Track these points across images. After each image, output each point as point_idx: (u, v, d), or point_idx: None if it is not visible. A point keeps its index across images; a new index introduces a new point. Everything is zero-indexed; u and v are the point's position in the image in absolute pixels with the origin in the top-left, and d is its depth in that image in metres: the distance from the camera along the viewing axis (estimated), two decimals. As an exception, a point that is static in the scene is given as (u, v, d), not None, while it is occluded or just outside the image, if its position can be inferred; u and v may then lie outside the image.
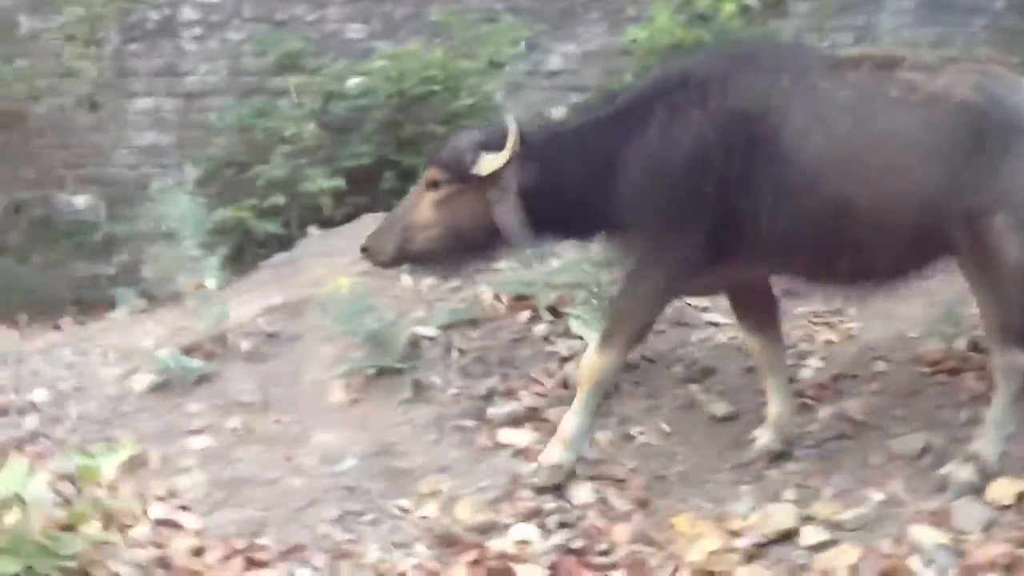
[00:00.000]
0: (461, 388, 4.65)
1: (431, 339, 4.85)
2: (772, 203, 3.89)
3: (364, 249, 4.27)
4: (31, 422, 4.55)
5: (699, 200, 3.96)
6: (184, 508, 3.94)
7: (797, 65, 4.09)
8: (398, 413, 4.55)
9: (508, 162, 4.05)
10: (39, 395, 4.74)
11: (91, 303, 6.86)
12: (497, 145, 4.07)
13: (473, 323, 5.00)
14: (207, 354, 4.90)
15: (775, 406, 4.30)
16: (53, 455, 4.28)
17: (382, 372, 4.69)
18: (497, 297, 5.11)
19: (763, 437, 4.29)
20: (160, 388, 4.76)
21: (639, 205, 4.03)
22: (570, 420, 4.11)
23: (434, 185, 4.15)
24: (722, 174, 3.93)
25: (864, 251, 3.91)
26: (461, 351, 4.82)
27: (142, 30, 7.11)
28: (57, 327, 6.09)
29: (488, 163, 4.06)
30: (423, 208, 4.15)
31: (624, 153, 4.05)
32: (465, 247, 4.17)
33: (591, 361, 4.09)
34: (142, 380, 4.82)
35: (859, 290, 4.19)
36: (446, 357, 4.80)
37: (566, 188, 4.11)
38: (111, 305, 6.68)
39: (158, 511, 3.86)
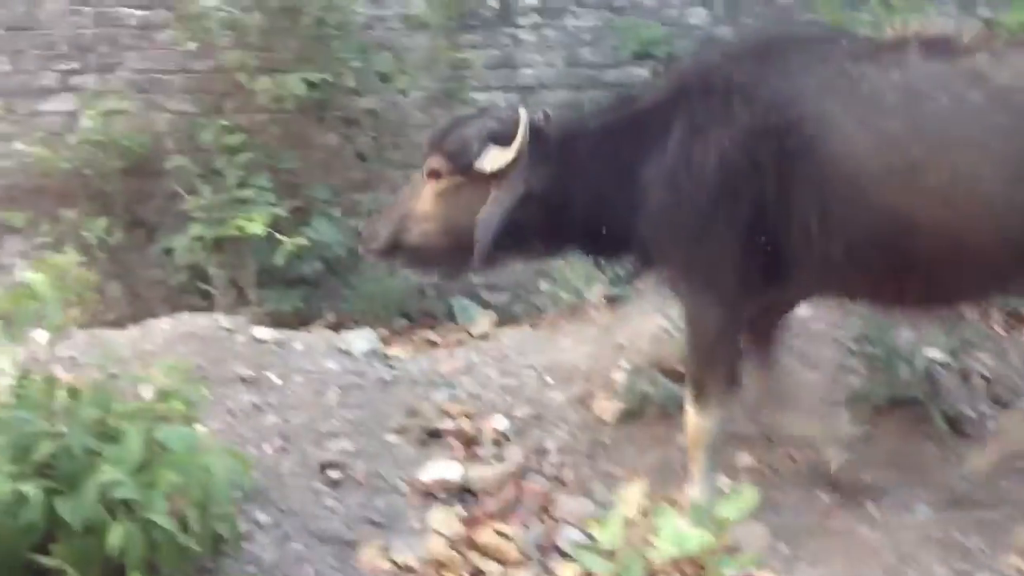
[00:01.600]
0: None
1: (944, 364, 4.22)
2: (820, 221, 3.40)
3: (359, 235, 3.99)
4: (513, 455, 4.04)
5: (732, 226, 3.51)
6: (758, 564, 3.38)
7: (831, 56, 3.52)
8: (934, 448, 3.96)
9: (516, 159, 3.60)
10: (499, 423, 4.24)
11: (418, 314, 6.38)
12: (507, 138, 3.63)
13: (975, 345, 4.35)
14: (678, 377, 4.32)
15: None
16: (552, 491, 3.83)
17: (895, 401, 4.09)
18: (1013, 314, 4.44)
19: None
20: (633, 416, 4.22)
21: (666, 233, 3.62)
22: (694, 492, 3.68)
23: (435, 175, 3.74)
24: (755, 197, 3.48)
25: (937, 270, 3.37)
26: (984, 378, 4.19)
27: (479, 18, 6.60)
28: (432, 343, 5.58)
29: (494, 158, 3.61)
30: (422, 199, 3.76)
31: (645, 169, 3.62)
32: (464, 246, 3.69)
33: (694, 424, 3.68)
34: (606, 407, 4.29)
35: (935, 311, 3.74)
36: (965, 384, 4.18)
37: (581, 197, 3.69)
38: (434, 316, 6.25)
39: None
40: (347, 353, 4.65)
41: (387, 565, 3.50)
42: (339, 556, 3.50)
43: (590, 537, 3.19)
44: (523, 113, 3.62)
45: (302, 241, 5.64)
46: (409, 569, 3.50)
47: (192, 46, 6.06)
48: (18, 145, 6.07)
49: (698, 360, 3.68)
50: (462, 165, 3.65)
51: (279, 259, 5.61)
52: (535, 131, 3.64)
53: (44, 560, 2.82)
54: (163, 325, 4.52)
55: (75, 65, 6.31)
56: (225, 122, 6.03)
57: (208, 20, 5.92)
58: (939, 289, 3.44)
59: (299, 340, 4.64)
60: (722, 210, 3.48)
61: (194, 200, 5.73)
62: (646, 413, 4.19)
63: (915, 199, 3.29)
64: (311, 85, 5.83)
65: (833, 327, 4.46)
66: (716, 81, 3.55)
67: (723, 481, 3.84)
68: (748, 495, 2.99)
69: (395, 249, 3.80)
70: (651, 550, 2.89)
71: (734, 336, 3.72)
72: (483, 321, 5.92)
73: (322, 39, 6.01)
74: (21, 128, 6.15)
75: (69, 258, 3.29)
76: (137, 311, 5.62)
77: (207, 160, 5.92)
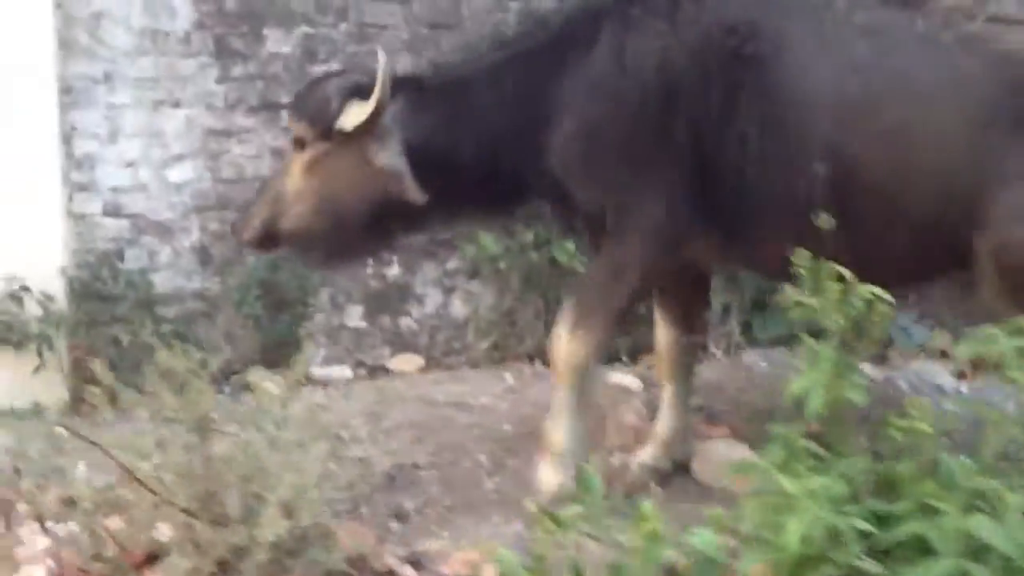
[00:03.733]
0: None
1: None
2: (758, 155, 3.04)
3: (232, 226, 3.49)
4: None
5: (667, 142, 3.11)
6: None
7: None
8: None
9: (381, 112, 3.17)
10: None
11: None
12: (369, 92, 3.19)
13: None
14: None
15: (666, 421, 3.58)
16: None
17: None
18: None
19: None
20: None
21: (586, 157, 3.22)
22: (555, 429, 3.36)
23: (300, 144, 3.32)
24: (696, 111, 3.10)
25: (867, 234, 2.98)
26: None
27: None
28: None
29: (355, 114, 3.21)
30: (291, 174, 3.33)
31: (559, 92, 3.22)
32: (347, 224, 3.31)
33: (562, 349, 3.33)
34: None
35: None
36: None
37: (472, 143, 3.29)
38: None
39: None
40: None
41: None
42: None
43: None
44: (382, 61, 3.15)
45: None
46: None
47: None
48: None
49: (603, 289, 3.35)
50: (324, 128, 3.26)
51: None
52: (409, 79, 3.33)
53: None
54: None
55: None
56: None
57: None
58: (865, 261, 2.72)
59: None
60: (657, 121, 3.11)
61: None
62: None
63: (863, 139, 3.03)
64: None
65: None
66: None
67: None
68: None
69: (271, 237, 3.40)
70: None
71: (641, 282, 3.36)
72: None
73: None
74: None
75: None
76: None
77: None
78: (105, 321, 4.92)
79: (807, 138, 3.06)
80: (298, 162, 3.35)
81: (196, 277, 5.22)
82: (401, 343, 5.42)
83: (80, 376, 4.76)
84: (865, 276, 2.64)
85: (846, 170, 3.03)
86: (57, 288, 4.89)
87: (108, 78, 5.02)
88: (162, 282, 5.13)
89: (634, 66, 3.14)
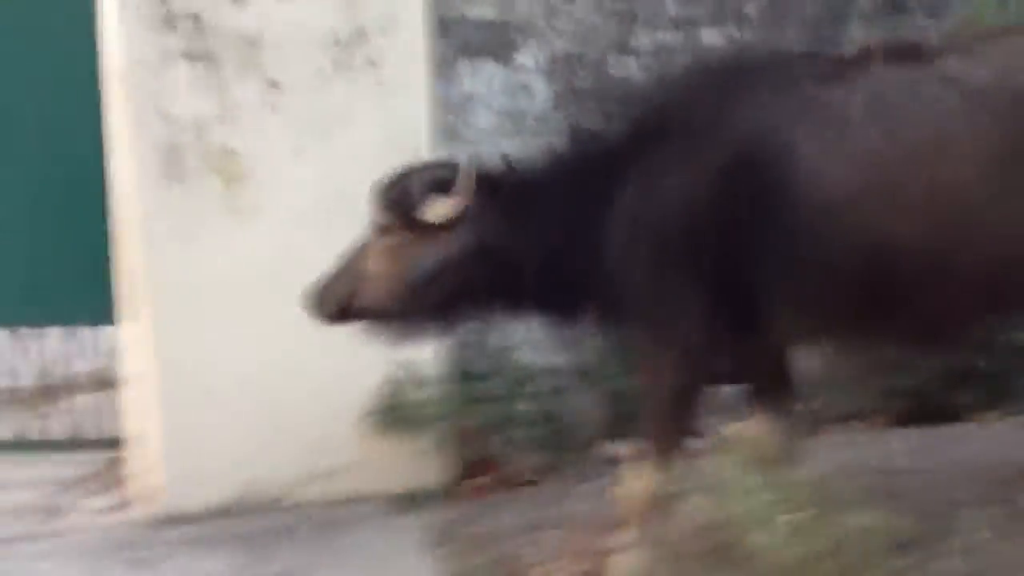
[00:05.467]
0: None
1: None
2: (796, 259, 3.15)
3: (306, 299, 3.59)
4: None
5: (698, 274, 3.27)
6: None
7: (795, 81, 3.27)
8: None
9: (461, 209, 3.38)
10: None
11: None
12: (451, 187, 3.40)
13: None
14: None
15: None
16: None
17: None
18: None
19: None
20: None
21: (627, 281, 3.38)
22: (623, 563, 3.44)
23: (381, 230, 3.52)
24: (723, 237, 3.22)
25: (926, 298, 3.10)
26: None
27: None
28: None
29: (436, 208, 3.40)
30: (370, 257, 3.53)
31: (606, 213, 3.37)
32: (416, 308, 3.53)
33: (633, 489, 3.45)
34: None
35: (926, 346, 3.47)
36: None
37: (535, 250, 3.45)
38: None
39: None
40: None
41: None
42: None
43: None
44: (464, 160, 3.44)
45: None
46: None
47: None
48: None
49: (655, 416, 3.48)
50: (405, 218, 3.43)
51: None
52: (486, 179, 3.43)
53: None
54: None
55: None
56: None
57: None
58: (928, 321, 3.17)
59: None
60: (684, 256, 3.26)
61: None
62: None
63: (897, 219, 3.07)
64: None
65: None
66: (675, 118, 3.35)
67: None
68: None
69: (345, 312, 3.58)
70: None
71: (695, 392, 3.51)
72: None
73: None
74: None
75: None
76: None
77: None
78: (479, 399, 4.97)
79: (836, 235, 3.14)
80: (377, 246, 3.54)
81: (548, 351, 5.27)
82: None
83: (466, 455, 4.82)
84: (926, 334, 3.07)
85: (882, 253, 3.11)
86: (432, 368, 4.94)
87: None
88: (521, 357, 5.18)
89: (660, 205, 3.29)
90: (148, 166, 4.60)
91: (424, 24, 4.81)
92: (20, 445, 6.02)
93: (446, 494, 4.83)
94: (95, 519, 4.95)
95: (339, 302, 3.61)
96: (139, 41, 4.53)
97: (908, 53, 3.26)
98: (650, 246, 3.35)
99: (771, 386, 3.74)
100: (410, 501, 4.73)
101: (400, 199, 3.53)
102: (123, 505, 5.12)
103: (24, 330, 5.93)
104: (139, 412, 5.29)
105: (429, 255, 3.49)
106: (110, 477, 5.60)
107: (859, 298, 3.20)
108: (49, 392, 6.08)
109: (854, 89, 3.19)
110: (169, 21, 4.53)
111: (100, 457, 5.87)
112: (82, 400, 6.15)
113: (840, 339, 3.69)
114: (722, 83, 3.45)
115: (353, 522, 4.66)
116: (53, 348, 5.96)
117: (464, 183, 3.43)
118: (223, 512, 4.77)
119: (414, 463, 4.83)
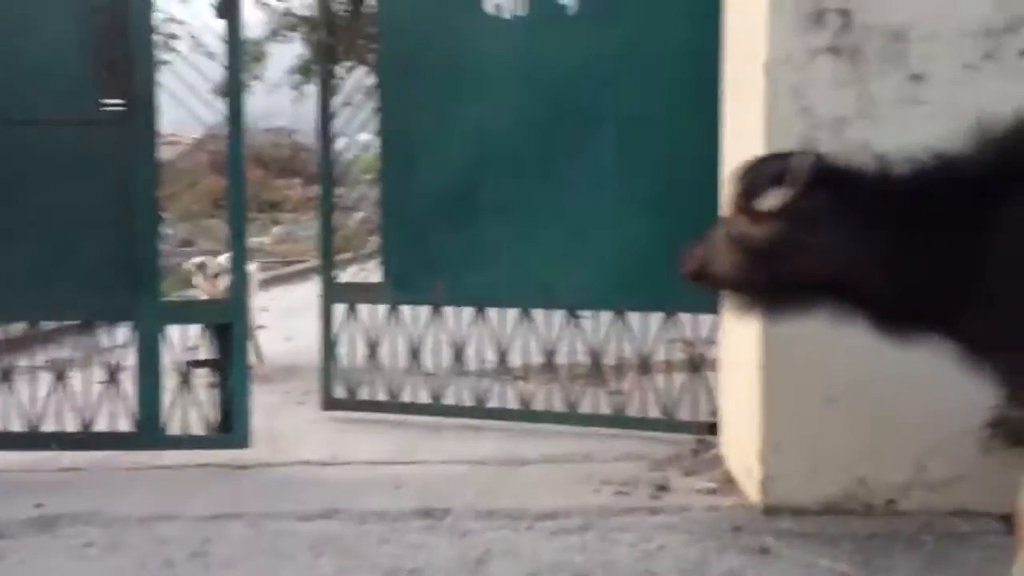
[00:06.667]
0: None
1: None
2: None
3: (679, 256, 3.81)
4: None
5: None
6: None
7: None
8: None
9: (792, 204, 3.40)
10: None
11: None
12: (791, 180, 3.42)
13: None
14: None
15: None
16: None
17: None
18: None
19: None
20: None
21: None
22: None
23: (733, 210, 3.62)
24: None
25: None
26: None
27: None
28: None
29: (772, 199, 3.45)
30: (721, 231, 3.70)
31: (985, 235, 3.20)
32: (747, 284, 3.67)
33: None
34: None
35: None
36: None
37: (895, 260, 3.33)
38: None
39: None
40: None
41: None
42: None
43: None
44: (807, 156, 3.45)
45: None
46: None
47: None
48: None
49: None
50: (747, 204, 3.55)
51: None
52: (838, 178, 3.44)
53: None
54: None
55: None
56: None
57: None
58: None
59: None
60: None
61: None
62: None
63: None
64: None
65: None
66: None
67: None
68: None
69: (700, 275, 3.79)
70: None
71: None
72: None
73: None
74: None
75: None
76: None
77: None
78: None
79: None
80: (727, 223, 3.72)
81: None
82: None
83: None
84: None
85: None
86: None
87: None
88: None
89: None
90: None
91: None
92: (616, 420, 6.46)
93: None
94: (699, 499, 5.13)
95: (698, 265, 3.85)
96: (787, 37, 4.61)
97: None
98: None
99: None
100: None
101: (747, 185, 3.69)
102: (718, 488, 5.27)
103: (629, 314, 6.35)
104: (735, 399, 5.43)
105: (759, 239, 3.61)
106: (699, 459, 5.82)
107: None
108: (646, 373, 6.46)
109: None
110: (818, 17, 4.57)
111: (685, 438, 6.13)
112: (675, 382, 6.48)
113: None
114: None
115: (973, 537, 4.43)
116: (652, 332, 6.33)
117: (797, 180, 3.47)
118: (830, 508, 4.75)
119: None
